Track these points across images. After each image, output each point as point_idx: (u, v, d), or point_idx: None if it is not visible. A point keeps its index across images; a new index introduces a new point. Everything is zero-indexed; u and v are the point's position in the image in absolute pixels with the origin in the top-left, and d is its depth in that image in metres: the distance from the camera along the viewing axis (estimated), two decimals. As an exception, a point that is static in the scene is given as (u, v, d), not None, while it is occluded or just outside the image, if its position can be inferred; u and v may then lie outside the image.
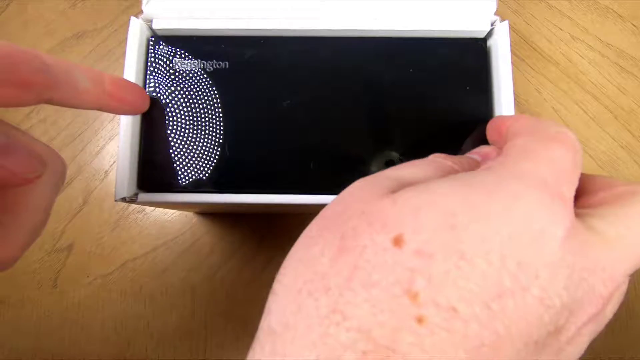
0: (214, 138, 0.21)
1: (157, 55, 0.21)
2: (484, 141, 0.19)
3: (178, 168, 0.21)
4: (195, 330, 0.32)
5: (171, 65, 0.21)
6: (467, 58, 0.22)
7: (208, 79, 0.21)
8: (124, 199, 0.20)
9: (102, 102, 0.18)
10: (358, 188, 0.14)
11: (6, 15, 0.38)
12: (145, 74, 0.21)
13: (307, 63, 0.22)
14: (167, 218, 0.34)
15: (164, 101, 0.21)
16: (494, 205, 0.11)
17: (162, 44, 0.22)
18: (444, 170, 0.15)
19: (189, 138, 0.21)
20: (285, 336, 0.11)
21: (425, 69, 0.22)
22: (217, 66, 0.21)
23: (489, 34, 0.22)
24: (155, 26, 0.22)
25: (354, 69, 0.22)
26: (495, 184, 0.12)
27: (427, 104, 0.21)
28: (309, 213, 0.34)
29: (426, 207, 0.12)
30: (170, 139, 0.21)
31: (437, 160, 0.16)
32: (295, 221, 0.34)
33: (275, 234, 0.34)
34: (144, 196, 0.21)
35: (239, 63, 0.22)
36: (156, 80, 0.21)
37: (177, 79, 0.21)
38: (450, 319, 0.10)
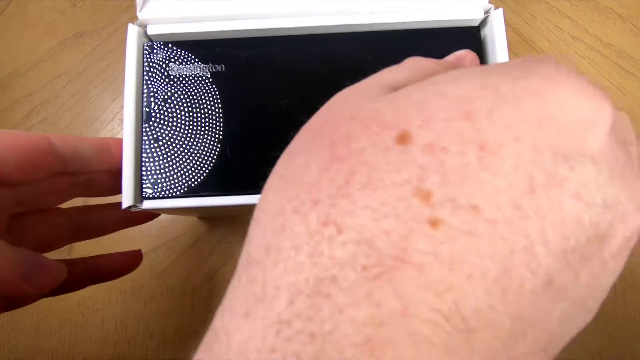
0: (214, 141, 0.21)
1: (152, 61, 0.22)
2: None
3: (181, 173, 0.21)
4: (196, 330, 0.32)
5: (167, 70, 0.21)
6: (461, 47, 0.22)
7: (205, 83, 0.21)
8: (130, 208, 0.20)
9: (113, 164, 0.20)
10: (341, 98, 0.12)
11: (6, 15, 0.38)
12: (142, 80, 0.21)
13: (303, 61, 0.22)
14: (168, 218, 0.34)
15: (162, 107, 0.21)
16: (521, 89, 0.09)
17: (157, 50, 0.22)
18: (432, 74, 0.12)
19: (190, 142, 0.21)
20: (265, 262, 0.09)
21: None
22: (214, 69, 0.21)
23: (483, 22, 0.22)
24: (150, 32, 0.22)
25: (350, 65, 0.22)
26: (520, 68, 0.10)
27: None
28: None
29: (434, 97, 0.10)
30: (171, 144, 0.21)
31: (421, 63, 0.13)
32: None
33: (275, 234, 0.34)
34: (149, 203, 0.21)
35: (235, 65, 0.22)
36: (153, 86, 0.21)
37: (173, 83, 0.21)
38: (472, 220, 0.08)
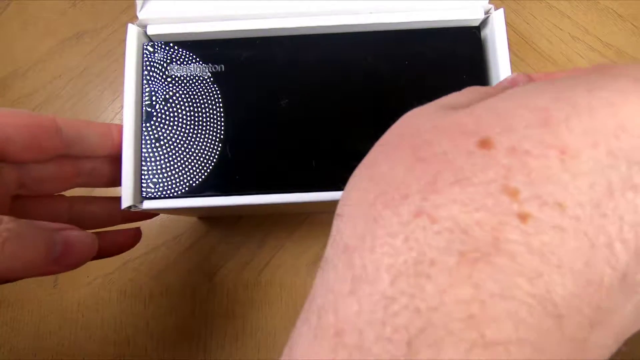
0: (215, 141, 0.21)
1: (152, 62, 0.22)
2: None
3: (181, 173, 0.21)
4: (195, 330, 0.32)
5: (167, 70, 0.21)
6: (461, 47, 0.22)
7: (205, 83, 0.21)
8: (129, 208, 0.20)
9: (114, 151, 0.21)
10: (411, 115, 0.13)
11: (6, 15, 0.38)
12: (142, 80, 0.21)
13: (303, 61, 0.22)
14: (168, 218, 0.34)
15: (162, 107, 0.21)
16: (595, 99, 0.10)
17: (157, 50, 0.22)
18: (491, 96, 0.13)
19: (190, 142, 0.21)
20: (362, 248, 0.10)
21: (422, 61, 0.22)
22: (213, 69, 0.21)
23: (484, 22, 0.22)
24: (149, 32, 0.22)
25: (349, 65, 0.22)
26: (592, 82, 0.10)
27: (425, 95, 0.21)
28: (312, 212, 0.34)
29: (511, 108, 0.10)
30: (171, 144, 0.21)
31: (479, 89, 0.14)
32: (295, 221, 0.34)
33: (275, 234, 0.34)
34: (149, 203, 0.21)
35: (235, 65, 0.22)
36: (153, 86, 0.21)
37: (173, 83, 0.21)
38: (558, 216, 0.09)
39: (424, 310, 0.09)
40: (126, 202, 0.20)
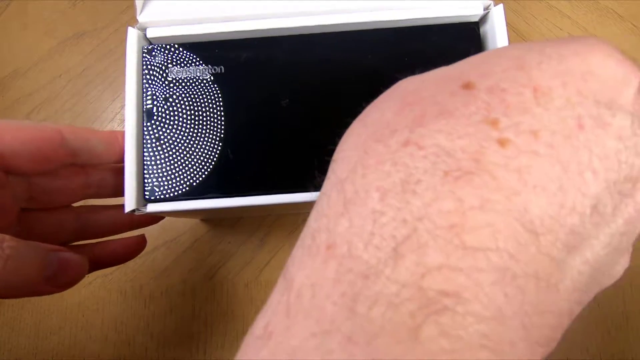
0: (215, 143, 0.21)
1: (152, 65, 0.21)
2: None
3: (184, 175, 0.21)
4: (195, 330, 0.32)
5: (167, 73, 0.21)
6: (460, 44, 0.22)
7: (206, 84, 0.21)
8: (133, 211, 0.20)
9: (120, 158, 0.21)
10: (402, 80, 0.13)
11: (6, 15, 0.38)
12: (142, 83, 0.21)
13: (303, 61, 0.22)
14: (168, 218, 0.34)
15: (163, 110, 0.21)
16: (564, 49, 0.11)
17: (156, 53, 0.22)
18: None
19: (192, 144, 0.21)
20: (353, 176, 0.11)
21: (422, 58, 0.22)
22: (213, 71, 0.21)
23: (484, 18, 0.22)
24: (149, 34, 0.22)
25: (349, 64, 0.22)
26: (563, 40, 0.12)
27: None
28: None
29: (490, 58, 0.12)
30: (173, 147, 0.21)
31: None
32: (295, 221, 0.34)
33: (275, 234, 0.34)
34: (152, 206, 0.21)
35: (234, 66, 0.21)
36: (154, 90, 0.21)
37: (174, 86, 0.21)
38: (533, 142, 0.10)
39: (409, 220, 0.10)
40: (129, 205, 0.20)
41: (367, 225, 0.10)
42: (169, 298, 0.33)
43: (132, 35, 0.21)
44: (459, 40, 0.22)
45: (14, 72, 0.37)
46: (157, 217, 0.25)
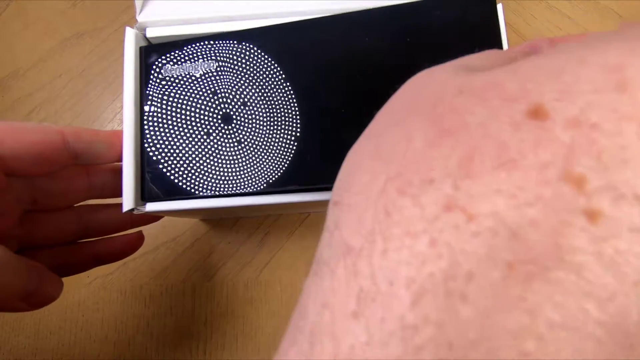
0: (216, 141, 0.21)
1: (150, 64, 0.21)
2: None
3: (184, 175, 0.21)
4: (195, 330, 0.32)
5: (165, 71, 0.21)
6: (471, 14, 0.19)
7: (201, 82, 0.21)
8: (132, 210, 0.20)
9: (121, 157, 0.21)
10: (427, 75, 0.10)
11: (6, 15, 0.38)
12: (141, 83, 0.21)
13: (300, 48, 0.21)
14: (168, 218, 0.34)
15: (161, 108, 0.21)
16: None
17: (154, 52, 0.21)
18: (513, 59, 0.10)
19: (192, 144, 0.21)
20: (369, 251, 0.08)
21: (432, 34, 0.19)
22: (207, 68, 0.21)
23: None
24: (149, 34, 0.22)
25: (353, 47, 0.20)
26: None
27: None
28: (314, 211, 0.34)
29: (570, 65, 0.08)
30: (171, 145, 0.21)
31: (499, 52, 0.12)
32: (295, 221, 0.34)
33: (275, 234, 0.34)
34: (151, 206, 0.21)
35: (228, 61, 0.21)
36: (151, 88, 0.21)
37: (171, 85, 0.21)
38: (638, 215, 0.07)
39: (458, 347, 0.07)
40: (127, 205, 0.20)
41: (393, 347, 0.07)
42: (169, 298, 0.33)
43: (130, 36, 0.21)
44: (469, 10, 0.19)
45: (14, 72, 0.37)
46: (156, 216, 0.25)
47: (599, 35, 0.08)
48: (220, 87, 0.21)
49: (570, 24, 0.37)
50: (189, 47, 0.22)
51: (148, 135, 0.21)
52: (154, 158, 0.21)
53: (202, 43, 0.22)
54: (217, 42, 0.21)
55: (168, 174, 0.21)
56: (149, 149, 0.21)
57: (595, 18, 0.37)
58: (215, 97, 0.21)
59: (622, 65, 0.07)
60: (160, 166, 0.21)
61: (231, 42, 0.21)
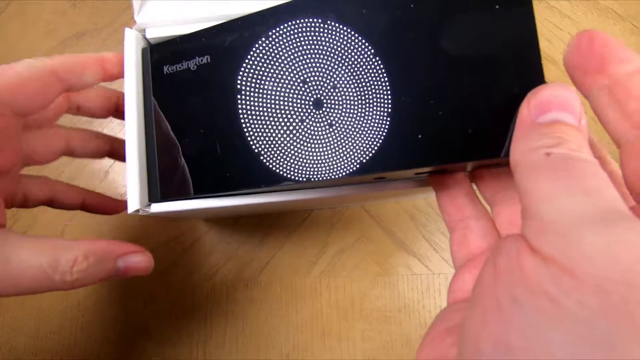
0: (219, 140, 0.21)
1: (150, 64, 0.21)
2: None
3: (185, 175, 0.21)
4: (196, 330, 0.32)
5: (165, 71, 0.21)
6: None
7: (200, 79, 0.21)
8: (137, 211, 0.20)
9: (105, 79, 0.22)
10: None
11: (6, 15, 0.38)
12: (143, 84, 0.21)
13: (388, 21, 0.18)
14: (167, 218, 0.34)
15: (162, 108, 0.21)
16: None
17: (154, 52, 0.21)
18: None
19: (193, 144, 0.21)
20: None
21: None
22: (199, 63, 0.21)
23: None
24: (148, 35, 0.22)
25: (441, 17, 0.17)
26: None
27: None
28: (316, 208, 0.34)
29: None
30: (174, 146, 0.21)
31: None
32: (295, 221, 0.34)
33: (275, 234, 0.34)
34: (157, 206, 0.20)
35: (222, 55, 0.21)
36: (152, 88, 0.21)
37: (171, 84, 0.21)
38: None
39: None
40: (133, 206, 0.20)
41: None
42: (169, 298, 0.33)
43: (130, 36, 0.21)
44: None
45: (14, 72, 0.37)
46: (118, 207, 0.28)
47: None
48: (307, 72, 0.20)
49: (570, 24, 0.37)
50: (185, 44, 0.21)
51: (151, 135, 0.21)
52: (157, 158, 0.21)
53: (195, 39, 0.21)
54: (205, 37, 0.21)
55: (171, 174, 0.21)
56: (151, 149, 0.21)
57: (595, 18, 0.37)
58: (306, 85, 0.20)
59: None
60: (165, 166, 0.21)
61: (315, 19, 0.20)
